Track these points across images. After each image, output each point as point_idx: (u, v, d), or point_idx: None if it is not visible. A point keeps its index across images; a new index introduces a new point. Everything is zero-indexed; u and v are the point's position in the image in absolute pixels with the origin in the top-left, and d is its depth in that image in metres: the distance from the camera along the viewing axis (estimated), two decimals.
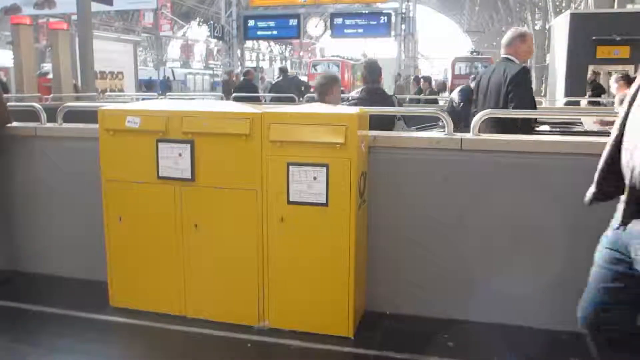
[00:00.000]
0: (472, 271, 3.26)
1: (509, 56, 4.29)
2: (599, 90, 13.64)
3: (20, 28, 14.22)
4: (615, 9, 16.13)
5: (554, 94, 12.79)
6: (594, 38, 10.96)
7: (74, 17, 14.98)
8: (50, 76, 15.68)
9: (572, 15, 11.73)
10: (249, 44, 33.25)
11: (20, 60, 13.89)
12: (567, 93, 10.61)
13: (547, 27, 28.30)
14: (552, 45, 15.39)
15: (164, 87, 25.96)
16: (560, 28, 12.47)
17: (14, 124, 4.05)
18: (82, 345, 3.19)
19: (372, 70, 4.61)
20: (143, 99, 9.69)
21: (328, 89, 4.29)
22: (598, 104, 10.28)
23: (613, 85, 6.89)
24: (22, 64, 13.81)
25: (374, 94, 4.48)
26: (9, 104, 4.17)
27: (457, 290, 3.30)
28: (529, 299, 3.21)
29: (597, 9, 16.22)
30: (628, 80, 6.57)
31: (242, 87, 11.71)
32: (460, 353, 3.09)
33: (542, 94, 19.68)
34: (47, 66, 19.76)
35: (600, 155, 3.09)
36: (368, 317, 3.40)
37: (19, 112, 4.42)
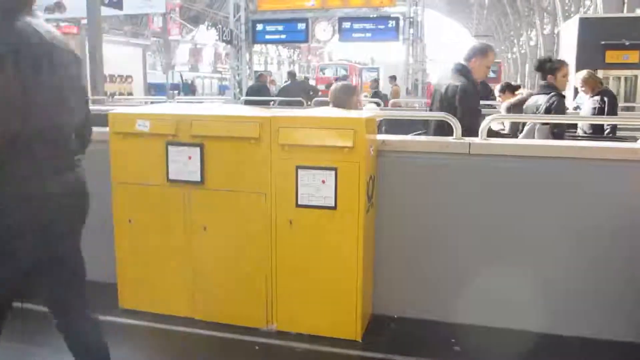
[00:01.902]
0: (480, 275, 3.26)
1: None
2: (487, 91, 14.12)
3: None
4: (625, 13, 16.06)
5: None
6: (603, 43, 10.90)
7: (84, 22, 15.09)
8: None
9: (581, 20, 11.66)
10: (257, 47, 33.35)
11: None
12: (576, 98, 10.55)
13: (555, 31, 28.22)
14: (560, 50, 15.34)
15: (187, 90, 27.83)
16: (569, 33, 12.42)
17: None
18: None
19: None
20: (152, 103, 9.75)
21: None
22: (490, 106, 10.91)
23: (497, 93, 7.24)
24: None
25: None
26: None
27: (465, 294, 3.29)
28: (536, 303, 3.21)
29: (606, 14, 16.15)
30: (511, 88, 6.86)
31: (256, 88, 11.79)
32: (467, 357, 3.10)
33: None
34: None
35: (609, 159, 3.10)
36: (375, 321, 3.40)
37: None
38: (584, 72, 6.37)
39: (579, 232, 3.16)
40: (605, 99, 5.98)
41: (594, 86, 6.19)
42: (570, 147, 3.34)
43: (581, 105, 7.02)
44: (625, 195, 3.08)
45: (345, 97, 4.19)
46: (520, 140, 3.41)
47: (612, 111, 5.99)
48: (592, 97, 6.11)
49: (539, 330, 3.23)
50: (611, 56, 11.01)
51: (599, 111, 5.94)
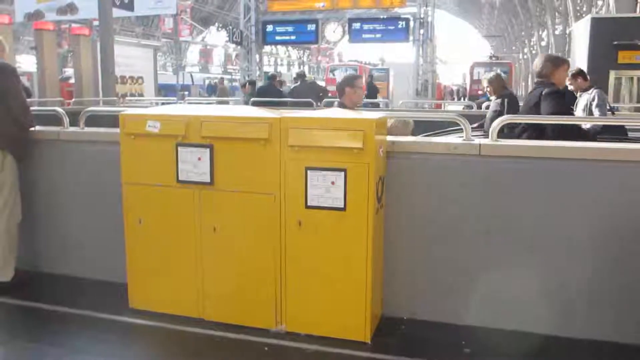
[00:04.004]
0: (490, 277, 3.24)
1: None
2: (374, 91, 15.85)
3: (44, 34, 14.51)
4: (638, 13, 15.92)
5: None
6: (615, 43, 10.81)
7: (96, 23, 15.21)
8: (72, 81, 15.94)
9: (593, 20, 11.56)
10: (267, 48, 33.45)
11: (43, 65, 14.16)
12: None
13: (567, 31, 28.02)
14: (572, 50, 15.24)
15: (211, 90, 29.29)
16: (580, 33, 12.33)
17: (37, 127, 4.12)
18: (101, 346, 3.23)
19: None
20: (162, 104, 9.80)
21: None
22: (377, 105, 12.94)
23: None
24: (44, 68, 14.07)
25: None
26: (32, 108, 4.25)
27: (475, 296, 3.28)
28: (548, 306, 3.19)
29: (618, 14, 16.02)
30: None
31: (267, 91, 11.82)
32: None
33: None
34: (69, 71, 20.07)
35: (621, 160, 3.07)
36: (385, 322, 3.39)
37: (42, 116, 4.50)
38: (491, 74, 6.70)
39: (590, 234, 3.13)
40: (506, 101, 6.15)
41: (498, 88, 6.39)
42: (582, 148, 3.30)
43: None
44: (638, 197, 3.05)
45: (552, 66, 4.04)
46: (531, 142, 3.39)
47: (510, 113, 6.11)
48: (496, 99, 6.29)
49: (550, 333, 3.20)
50: (623, 57, 10.91)
51: (499, 114, 6.01)
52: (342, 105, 4.48)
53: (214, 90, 29.86)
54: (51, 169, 4.15)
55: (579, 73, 6.49)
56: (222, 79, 20.23)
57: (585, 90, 6.24)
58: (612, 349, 3.11)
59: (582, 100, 6.20)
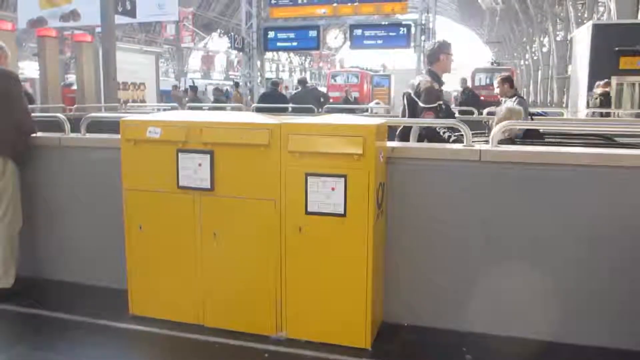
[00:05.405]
0: (491, 283, 3.23)
1: None
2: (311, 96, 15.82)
3: (46, 40, 14.52)
4: (639, 19, 15.93)
5: (575, 106, 12.67)
6: (616, 49, 10.83)
7: (98, 30, 15.27)
8: (74, 87, 15.98)
9: (595, 26, 11.60)
10: (268, 55, 33.53)
11: (45, 72, 14.18)
12: (590, 104, 10.47)
13: (569, 38, 28.07)
14: (574, 57, 15.26)
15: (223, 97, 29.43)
16: (582, 39, 12.37)
17: (39, 134, 4.13)
18: (101, 352, 3.23)
19: None
20: (164, 110, 9.82)
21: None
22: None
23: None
24: (47, 75, 14.10)
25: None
26: (33, 114, 4.26)
27: (476, 302, 3.27)
28: (549, 312, 3.17)
29: (620, 20, 16.05)
30: None
31: (271, 96, 11.89)
32: None
33: (564, 105, 19.51)
34: (71, 77, 20.13)
35: (625, 167, 3.07)
36: (385, 329, 3.38)
37: (44, 122, 4.52)
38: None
39: (593, 240, 3.12)
40: (443, 107, 6.26)
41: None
42: (583, 155, 3.30)
43: None
44: None
45: None
46: (532, 148, 3.38)
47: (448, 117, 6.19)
48: None
49: (553, 339, 3.19)
50: (625, 62, 10.93)
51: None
52: (431, 72, 4.30)
53: (227, 97, 30.27)
54: (52, 175, 4.15)
55: (507, 79, 6.53)
56: (175, 86, 21.17)
57: (509, 97, 6.30)
58: (616, 355, 3.09)
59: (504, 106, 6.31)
